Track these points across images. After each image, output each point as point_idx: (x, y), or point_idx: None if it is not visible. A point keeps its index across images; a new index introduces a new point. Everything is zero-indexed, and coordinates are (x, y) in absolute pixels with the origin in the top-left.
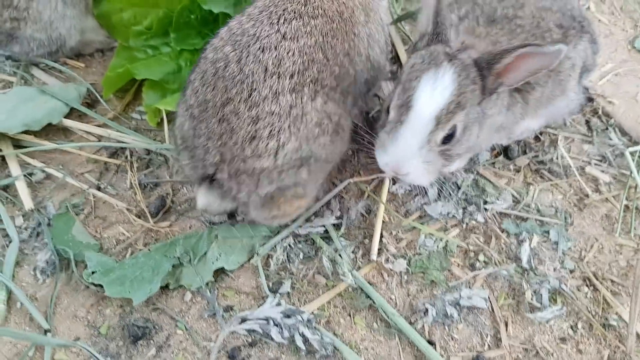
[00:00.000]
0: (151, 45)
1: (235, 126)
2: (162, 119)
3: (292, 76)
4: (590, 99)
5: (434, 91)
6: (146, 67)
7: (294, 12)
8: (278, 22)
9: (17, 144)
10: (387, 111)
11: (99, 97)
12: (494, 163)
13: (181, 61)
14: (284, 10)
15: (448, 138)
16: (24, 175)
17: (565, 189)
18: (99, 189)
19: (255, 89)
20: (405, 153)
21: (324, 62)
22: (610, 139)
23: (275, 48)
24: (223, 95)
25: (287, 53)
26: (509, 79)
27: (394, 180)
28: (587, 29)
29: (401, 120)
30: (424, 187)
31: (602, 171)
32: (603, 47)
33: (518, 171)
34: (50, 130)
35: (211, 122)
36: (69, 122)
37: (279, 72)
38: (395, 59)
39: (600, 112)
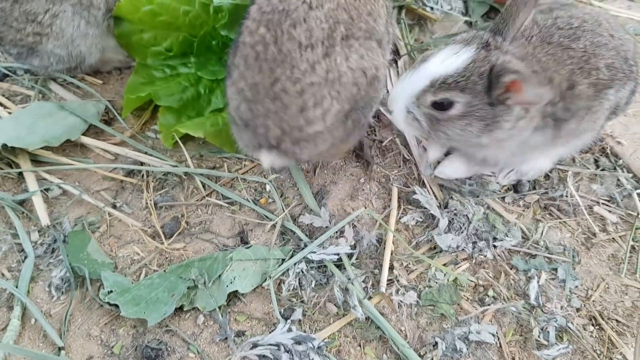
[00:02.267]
0: (169, 65)
1: (287, 102)
2: (178, 140)
3: (322, 42)
4: (600, 138)
5: (445, 60)
6: (167, 93)
7: None
8: None
9: (35, 159)
10: None
11: (116, 115)
12: (504, 197)
13: (200, 88)
14: None
15: (440, 107)
16: (41, 191)
17: (574, 227)
18: (114, 207)
19: (294, 65)
20: (398, 94)
21: (349, 21)
22: (619, 179)
23: (305, 20)
24: (270, 77)
25: (315, 22)
26: (515, 97)
27: (405, 211)
28: (634, 76)
29: (413, 68)
30: (435, 218)
31: (610, 211)
32: None
33: (527, 207)
34: (67, 146)
35: (265, 102)
36: (86, 139)
37: (311, 44)
38: None
39: (608, 151)
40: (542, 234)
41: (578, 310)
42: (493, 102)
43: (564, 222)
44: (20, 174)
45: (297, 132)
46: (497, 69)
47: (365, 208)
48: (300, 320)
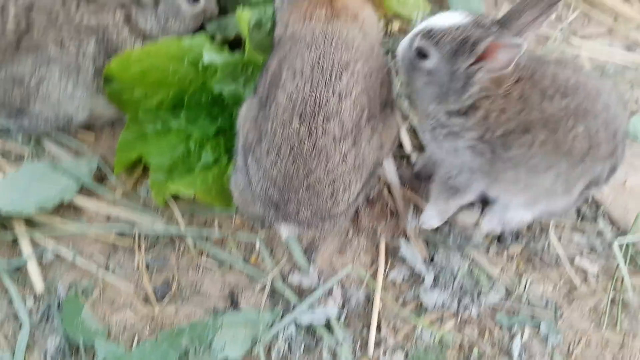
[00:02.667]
0: (161, 119)
1: (319, 190)
2: (169, 199)
3: (352, 131)
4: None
5: (447, 17)
6: (157, 153)
7: (341, 62)
8: (332, 79)
9: (29, 221)
10: None
11: (109, 173)
12: (488, 249)
13: (191, 144)
14: (332, 62)
15: (419, 54)
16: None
17: (556, 279)
18: (107, 268)
19: (329, 158)
20: (405, 38)
21: (370, 102)
22: (600, 228)
23: (337, 113)
24: (304, 169)
25: (346, 113)
26: (489, 64)
27: (392, 266)
28: (617, 154)
29: None
30: (421, 274)
31: (591, 262)
32: None
33: (511, 258)
34: (60, 207)
35: (300, 191)
36: (79, 200)
37: (343, 135)
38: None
39: (589, 200)
40: (525, 287)
41: None
42: (454, 72)
43: (547, 274)
44: (15, 239)
45: (326, 213)
46: (473, 38)
47: (354, 262)
48: None
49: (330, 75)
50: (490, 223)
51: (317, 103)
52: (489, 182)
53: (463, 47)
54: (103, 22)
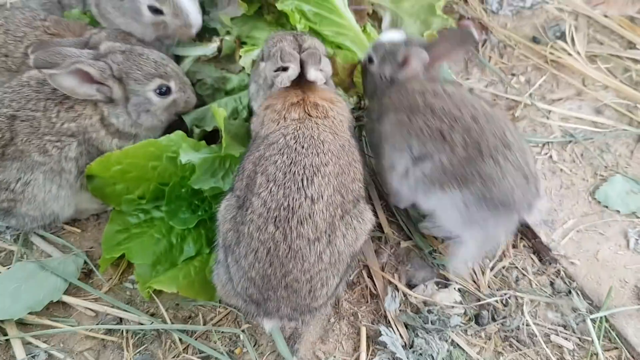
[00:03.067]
0: (143, 210)
1: (298, 288)
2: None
3: (325, 231)
4: (554, 260)
5: (386, 34)
6: (140, 250)
7: (312, 167)
8: (303, 184)
9: (20, 321)
10: None
11: (95, 268)
12: (466, 330)
13: (173, 238)
14: (304, 168)
15: (369, 57)
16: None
17: (533, 357)
18: None
19: (305, 259)
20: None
21: (342, 200)
22: (574, 304)
23: (310, 216)
24: (281, 270)
25: (319, 216)
26: (407, 69)
27: (374, 352)
28: (489, 168)
29: None
30: None
31: (566, 338)
32: (564, 200)
33: (489, 339)
34: (49, 305)
35: (278, 290)
36: (67, 298)
37: (317, 236)
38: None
39: (562, 274)
40: None
41: None
42: (382, 75)
43: (524, 353)
44: (8, 340)
45: (305, 308)
46: (396, 51)
47: (336, 350)
48: None
49: (302, 180)
50: (452, 266)
51: (291, 207)
52: (378, 150)
53: (389, 56)
54: (82, 125)
